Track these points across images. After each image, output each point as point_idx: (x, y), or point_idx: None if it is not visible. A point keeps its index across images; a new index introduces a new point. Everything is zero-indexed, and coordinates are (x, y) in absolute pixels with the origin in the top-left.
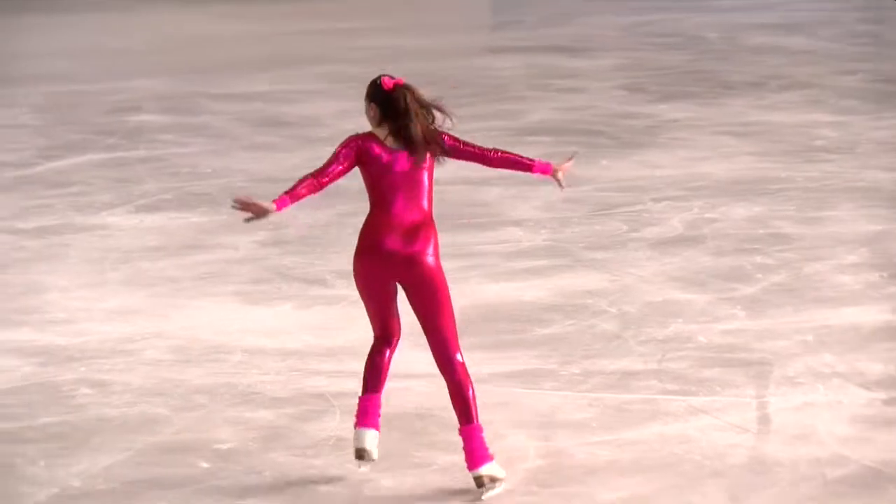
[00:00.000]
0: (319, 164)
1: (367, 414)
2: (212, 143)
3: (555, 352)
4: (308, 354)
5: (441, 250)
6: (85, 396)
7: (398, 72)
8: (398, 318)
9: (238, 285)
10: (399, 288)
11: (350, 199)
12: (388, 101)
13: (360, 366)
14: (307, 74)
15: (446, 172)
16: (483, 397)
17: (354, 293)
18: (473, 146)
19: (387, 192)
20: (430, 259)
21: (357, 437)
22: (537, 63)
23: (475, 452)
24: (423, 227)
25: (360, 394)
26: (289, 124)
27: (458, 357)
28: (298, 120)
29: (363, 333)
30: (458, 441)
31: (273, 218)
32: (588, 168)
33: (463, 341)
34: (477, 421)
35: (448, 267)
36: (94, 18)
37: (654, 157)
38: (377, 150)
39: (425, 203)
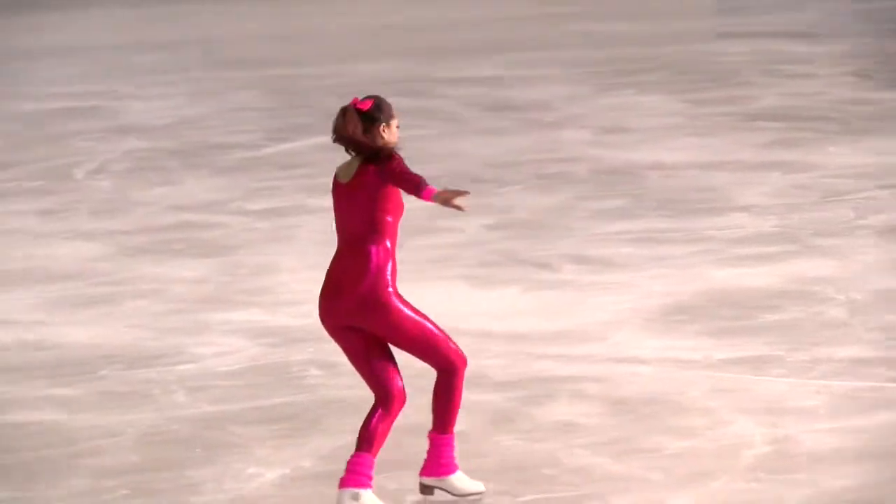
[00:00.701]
0: (547, 147)
1: (349, 472)
2: (440, 127)
3: (782, 338)
4: (534, 338)
5: (667, 235)
6: (315, 378)
7: (630, 57)
8: (390, 379)
9: (465, 268)
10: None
11: (576, 184)
12: None
13: (586, 350)
14: (535, 58)
15: (676, 156)
16: (710, 383)
17: (581, 277)
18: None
19: (338, 225)
20: (379, 297)
21: (337, 498)
22: (766, 48)
23: (441, 460)
24: (368, 261)
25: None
26: (518, 108)
27: (459, 368)
28: (527, 104)
29: (589, 318)
30: (690, 426)
31: (501, 201)
32: (816, 154)
33: (689, 328)
34: (452, 432)
35: (675, 252)
36: (311, 1)
37: (881, 143)
38: (333, 183)
39: (374, 230)
